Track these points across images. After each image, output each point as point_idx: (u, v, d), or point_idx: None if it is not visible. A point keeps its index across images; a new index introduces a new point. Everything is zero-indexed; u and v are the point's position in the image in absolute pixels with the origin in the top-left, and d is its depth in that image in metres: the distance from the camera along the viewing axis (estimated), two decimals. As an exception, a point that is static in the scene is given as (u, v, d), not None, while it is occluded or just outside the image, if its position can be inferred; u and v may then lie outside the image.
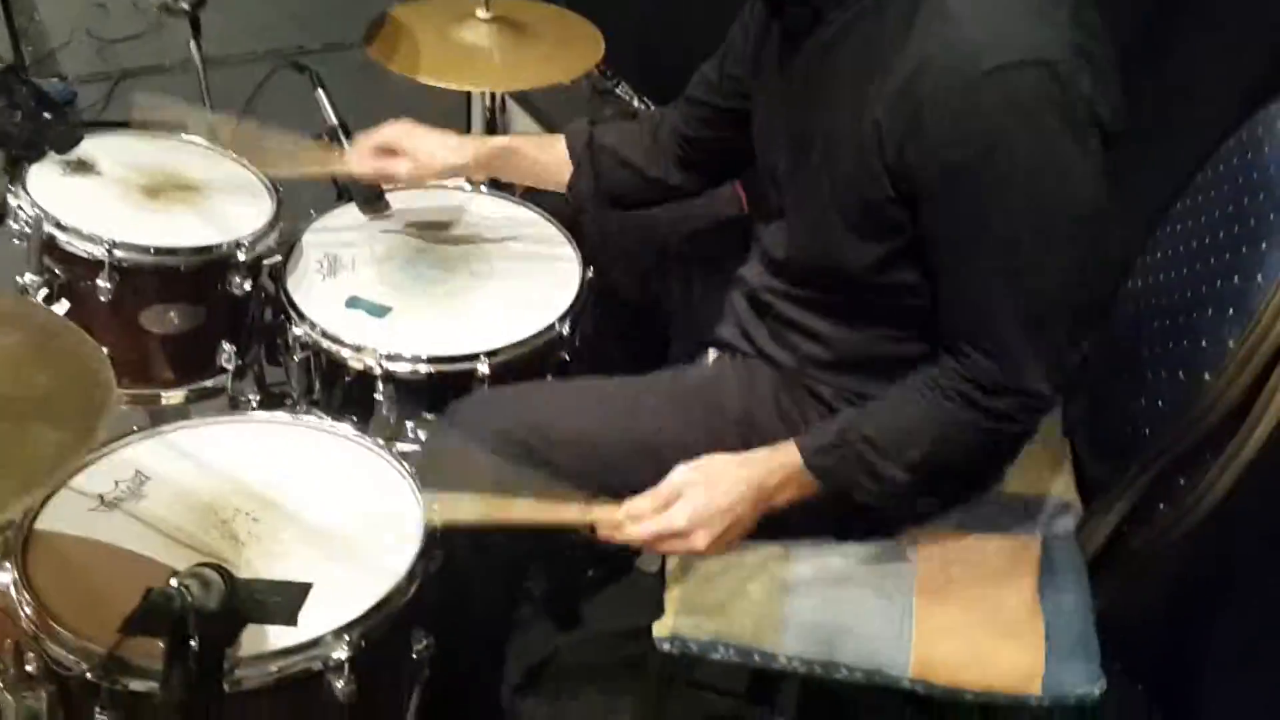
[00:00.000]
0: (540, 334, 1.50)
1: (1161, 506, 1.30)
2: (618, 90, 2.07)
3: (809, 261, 1.30)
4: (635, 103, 2.04)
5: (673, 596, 1.32)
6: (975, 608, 1.30)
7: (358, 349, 1.45)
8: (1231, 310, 1.21)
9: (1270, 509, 1.38)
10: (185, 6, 1.83)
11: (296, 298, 1.51)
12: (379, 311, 1.52)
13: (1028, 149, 1.05)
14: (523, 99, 2.21)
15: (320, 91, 1.64)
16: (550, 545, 1.67)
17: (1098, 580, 1.36)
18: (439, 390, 1.45)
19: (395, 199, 1.67)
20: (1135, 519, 1.34)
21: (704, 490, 1.20)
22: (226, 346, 1.57)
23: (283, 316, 1.51)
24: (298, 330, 1.49)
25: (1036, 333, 1.14)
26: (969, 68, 1.04)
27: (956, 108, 1.05)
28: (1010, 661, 1.25)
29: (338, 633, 1.06)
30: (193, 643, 0.91)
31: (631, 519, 1.20)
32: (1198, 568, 1.58)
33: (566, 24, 1.85)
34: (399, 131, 1.55)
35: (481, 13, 1.77)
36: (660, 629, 1.29)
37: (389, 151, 1.55)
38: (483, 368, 1.45)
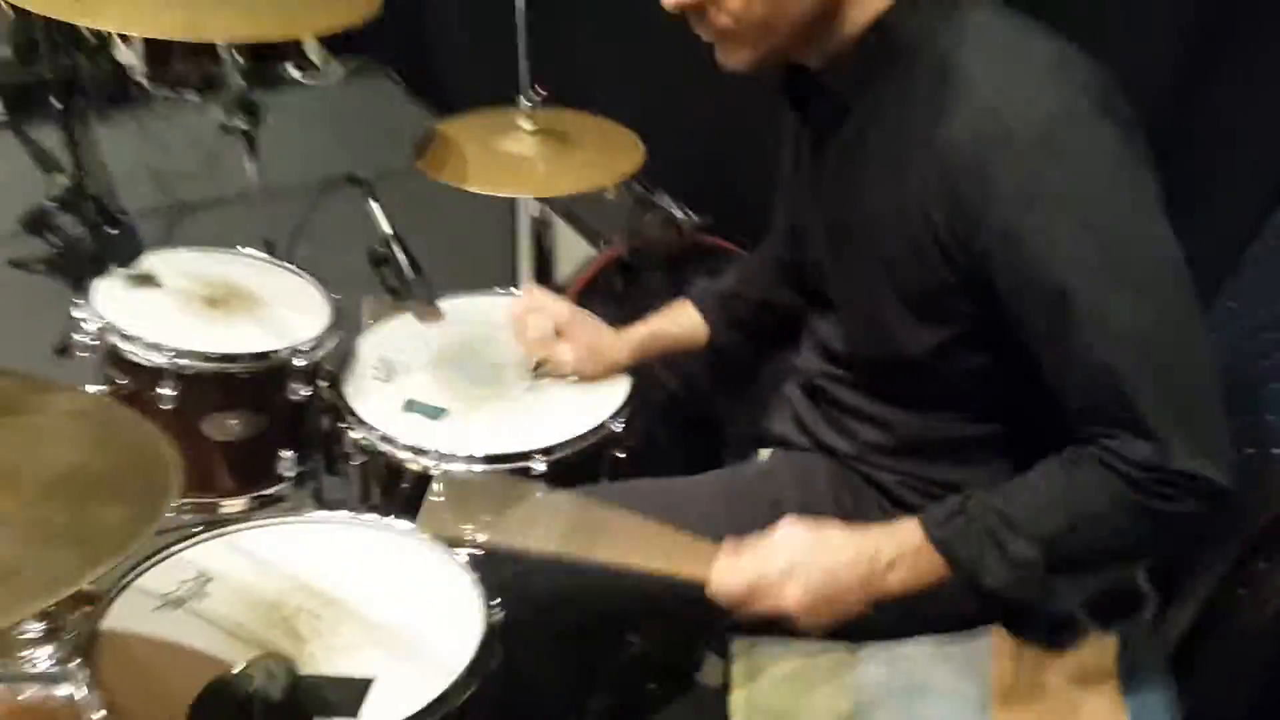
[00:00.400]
0: (594, 431, 1.50)
1: (1242, 592, 1.26)
2: (656, 198, 2.11)
3: (867, 352, 1.28)
4: (676, 211, 2.07)
5: (737, 703, 1.29)
6: (1053, 710, 1.24)
7: (415, 450, 1.46)
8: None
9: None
10: (242, 126, 1.90)
11: (354, 403, 1.53)
12: (435, 414, 1.53)
13: (1073, 191, 1.04)
14: (567, 212, 2.26)
15: (373, 203, 1.69)
16: (613, 658, 1.65)
17: (1182, 677, 1.30)
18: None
19: (445, 303, 1.70)
20: (1215, 608, 1.30)
21: (808, 543, 1.15)
22: (286, 454, 1.58)
23: (340, 422, 1.53)
24: (356, 434, 1.50)
25: (1173, 399, 1.04)
26: (996, 131, 1.05)
27: (990, 171, 1.05)
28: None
29: (403, 726, 1.04)
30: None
31: (728, 566, 1.16)
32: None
33: (607, 133, 1.89)
34: (568, 316, 1.58)
35: (525, 124, 1.82)
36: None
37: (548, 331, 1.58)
38: (538, 466, 1.46)
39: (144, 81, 3.73)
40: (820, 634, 1.21)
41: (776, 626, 1.20)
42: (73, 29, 1.91)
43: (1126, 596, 1.37)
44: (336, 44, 4.10)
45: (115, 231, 1.49)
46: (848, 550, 1.15)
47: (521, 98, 1.87)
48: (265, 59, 3.93)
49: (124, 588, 1.17)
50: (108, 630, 1.12)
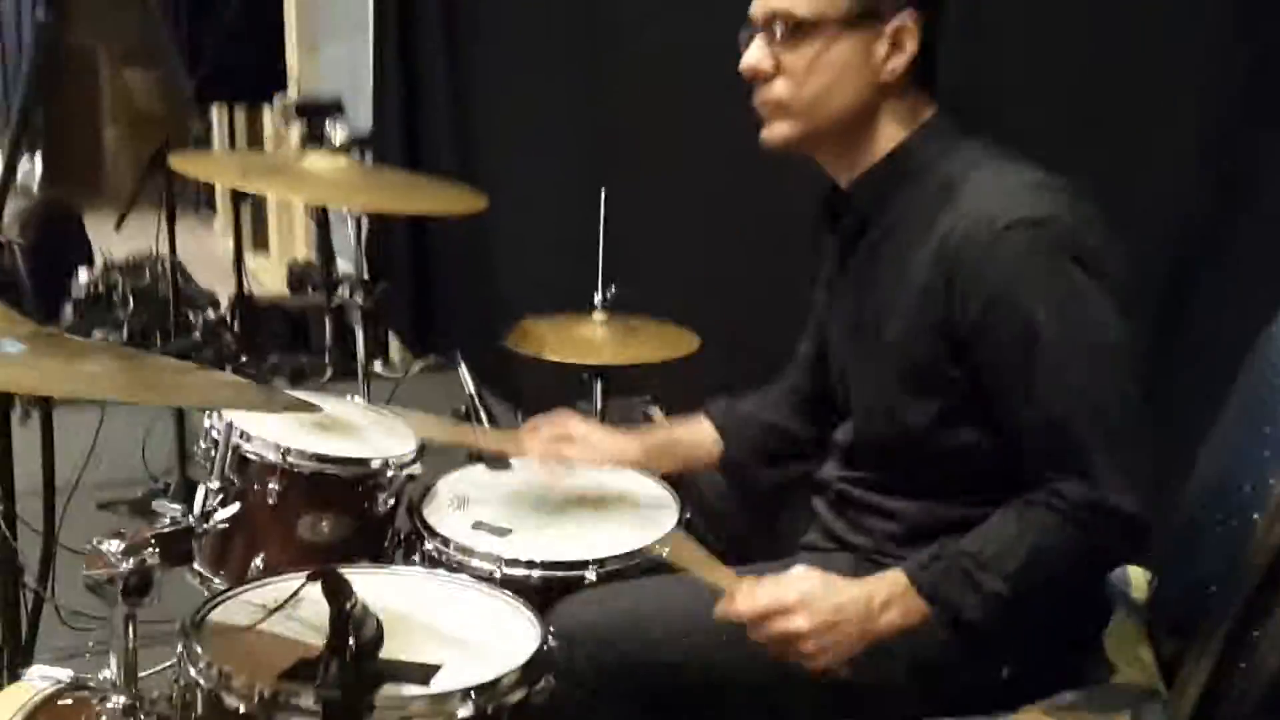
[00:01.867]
0: (642, 550, 1.66)
1: (1242, 665, 1.36)
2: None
3: (873, 434, 1.50)
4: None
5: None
6: None
7: (481, 556, 1.62)
8: (1268, 453, 1.35)
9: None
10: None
11: (430, 522, 1.72)
12: (501, 533, 1.71)
13: (1040, 278, 1.30)
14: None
15: (462, 366, 1.96)
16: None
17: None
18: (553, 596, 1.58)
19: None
20: (1218, 684, 1.39)
21: (818, 582, 1.34)
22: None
23: (416, 537, 1.72)
24: (429, 545, 1.68)
25: (1112, 449, 1.28)
26: (985, 229, 1.32)
27: (980, 258, 1.32)
28: None
29: (464, 692, 1.18)
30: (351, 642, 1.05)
31: (748, 590, 1.32)
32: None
33: (666, 329, 2.20)
34: (570, 421, 1.79)
35: (598, 316, 2.13)
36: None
37: (563, 438, 1.77)
38: (591, 575, 1.62)
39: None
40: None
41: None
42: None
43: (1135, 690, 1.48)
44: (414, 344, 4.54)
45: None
46: (850, 591, 1.35)
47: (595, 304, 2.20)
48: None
49: (229, 598, 1.35)
50: (213, 620, 1.29)
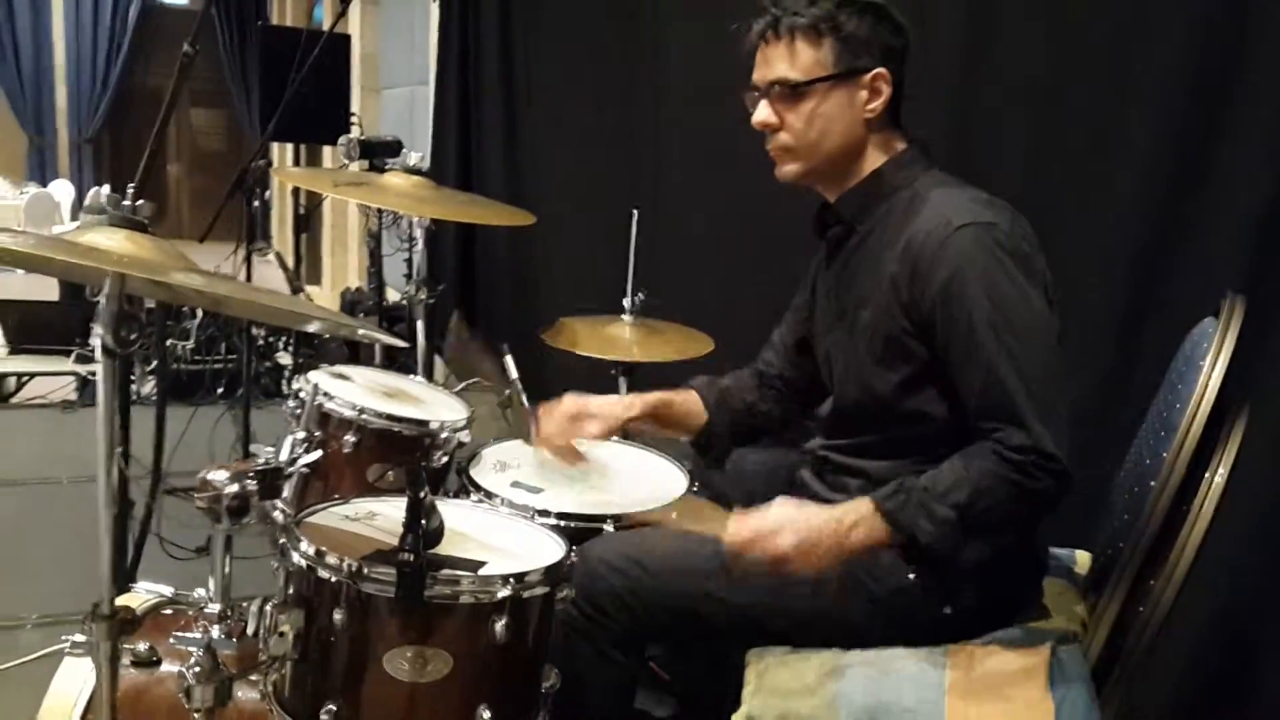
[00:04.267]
0: (654, 510, 1.98)
1: (1140, 609, 1.64)
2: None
3: (850, 400, 1.81)
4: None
5: (750, 678, 1.68)
6: (994, 698, 1.61)
7: (517, 507, 1.91)
8: (1164, 432, 1.66)
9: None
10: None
11: (476, 479, 2.04)
12: (534, 490, 2.02)
13: (984, 266, 1.61)
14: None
15: (508, 357, 2.29)
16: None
17: (1103, 689, 1.67)
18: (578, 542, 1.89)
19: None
20: (1122, 622, 1.68)
21: (793, 508, 1.64)
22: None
23: (462, 491, 2.03)
24: (474, 498, 1.99)
25: (1037, 402, 1.56)
26: (942, 228, 1.65)
27: (936, 251, 1.64)
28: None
29: (503, 578, 1.49)
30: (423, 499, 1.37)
31: (736, 524, 1.63)
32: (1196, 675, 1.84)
33: (685, 332, 2.53)
34: (579, 401, 2.02)
35: (627, 318, 2.47)
36: (738, 716, 1.63)
37: (577, 417, 2.02)
38: (609, 527, 1.93)
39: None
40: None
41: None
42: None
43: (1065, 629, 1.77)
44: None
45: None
46: (823, 515, 1.64)
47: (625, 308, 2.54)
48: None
49: (320, 509, 1.68)
50: (307, 522, 1.62)
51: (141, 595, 1.76)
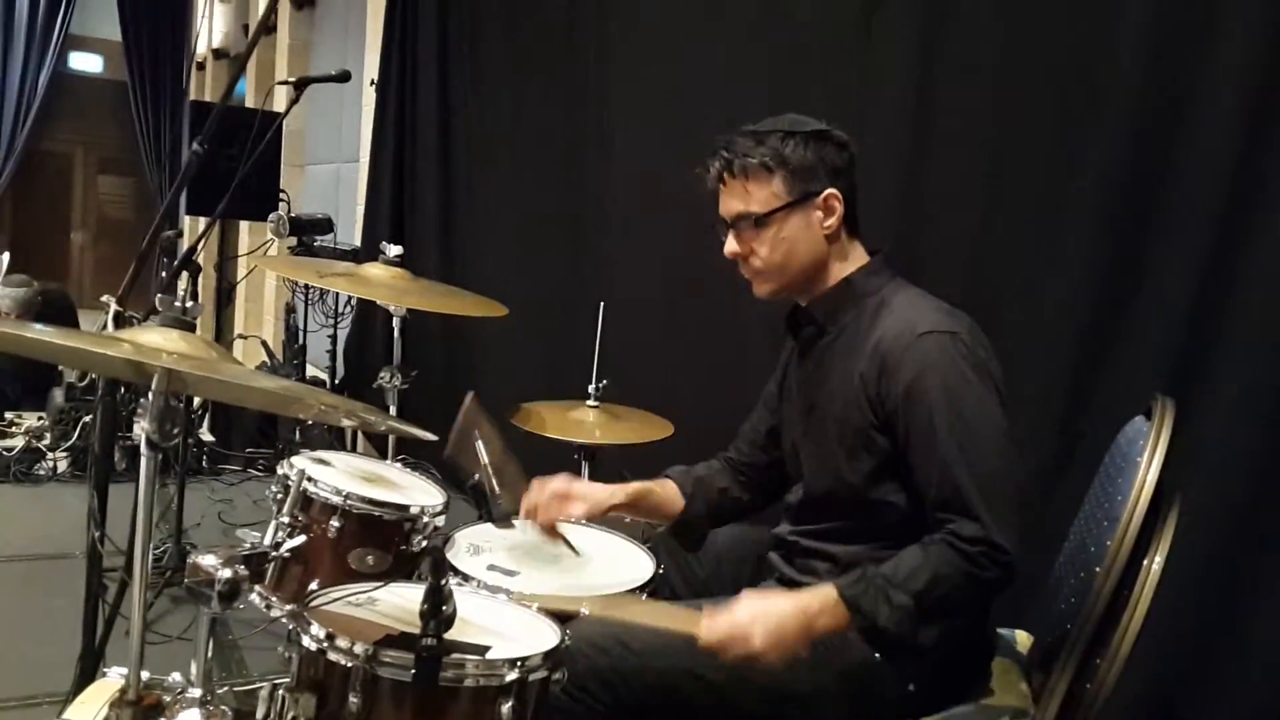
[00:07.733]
0: (627, 592, 2.07)
1: (1088, 685, 1.77)
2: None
3: (820, 489, 1.94)
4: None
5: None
6: None
7: (494, 590, 2.00)
8: (1106, 522, 1.81)
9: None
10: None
11: (452, 562, 2.11)
12: (510, 574, 2.11)
13: (944, 371, 1.77)
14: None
15: (479, 442, 2.37)
16: None
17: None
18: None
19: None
20: (1071, 698, 1.81)
21: (761, 603, 1.74)
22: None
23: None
24: (454, 581, 2.07)
25: (988, 497, 1.71)
26: (908, 333, 1.81)
27: (902, 355, 1.80)
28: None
29: (510, 661, 1.57)
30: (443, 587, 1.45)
31: (709, 623, 1.72)
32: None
33: (646, 417, 2.65)
34: (568, 482, 2.14)
35: (591, 403, 2.58)
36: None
37: (565, 497, 2.13)
38: (585, 610, 2.01)
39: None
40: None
41: None
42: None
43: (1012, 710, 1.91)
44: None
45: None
46: (789, 605, 1.74)
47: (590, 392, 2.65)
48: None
49: (326, 596, 1.73)
50: (316, 607, 1.68)
51: (115, 680, 1.79)
